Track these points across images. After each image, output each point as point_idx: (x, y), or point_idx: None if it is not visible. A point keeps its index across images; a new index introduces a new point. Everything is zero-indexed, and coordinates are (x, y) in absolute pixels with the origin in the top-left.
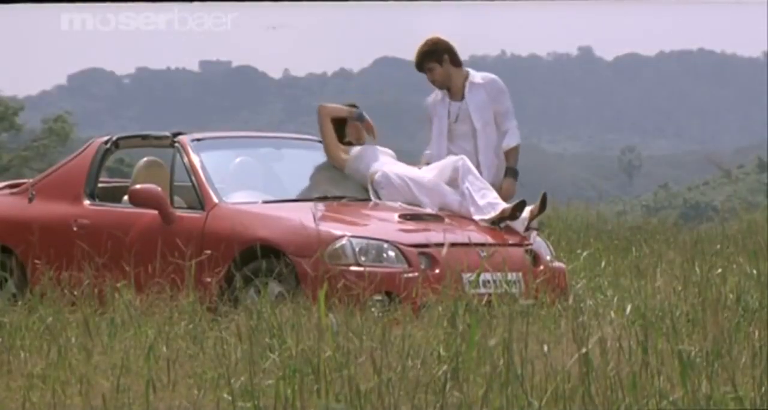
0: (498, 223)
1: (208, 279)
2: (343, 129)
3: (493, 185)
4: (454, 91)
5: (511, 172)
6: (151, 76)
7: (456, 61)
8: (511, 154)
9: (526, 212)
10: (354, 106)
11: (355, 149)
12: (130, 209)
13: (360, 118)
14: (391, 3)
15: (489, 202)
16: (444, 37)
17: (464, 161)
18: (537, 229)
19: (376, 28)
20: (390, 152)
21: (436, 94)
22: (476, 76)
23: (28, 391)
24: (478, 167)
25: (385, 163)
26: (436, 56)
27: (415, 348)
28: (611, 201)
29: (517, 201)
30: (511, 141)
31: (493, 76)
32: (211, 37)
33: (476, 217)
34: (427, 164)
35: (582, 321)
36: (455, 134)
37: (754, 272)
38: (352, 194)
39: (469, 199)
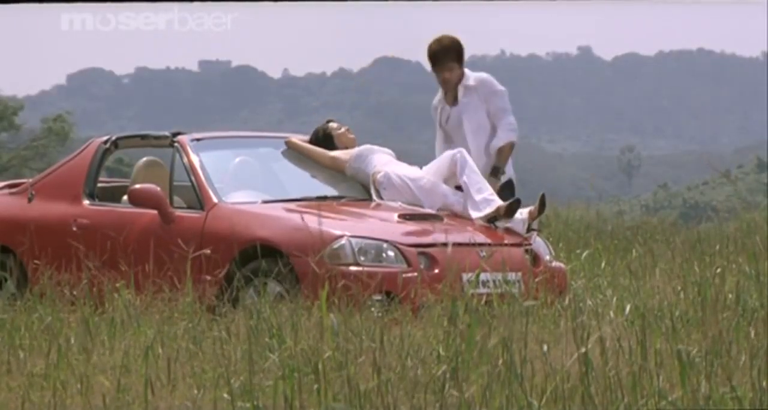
0: (493, 221)
1: (208, 278)
2: (332, 142)
3: None
4: (453, 93)
5: (494, 170)
6: (151, 76)
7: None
8: (500, 153)
9: (526, 213)
10: (330, 121)
11: (354, 149)
12: (130, 209)
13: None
14: (391, 3)
15: (485, 198)
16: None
17: (462, 153)
18: (538, 230)
19: (376, 28)
20: (389, 151)
21: (439, 96)
22: (470, 77)
23: (28, 391)
24: None
25: (386, 163)
26: (459, 56)
27: (415, 347)
28: (610, 201)
29: (511, 200)
30: (498, 141)
31: (485, 76)
32: (210, 37)
33: (472, 213)
34: None
35: (581, 321)
36: (452, 136)
37: (753, 272)
38: (352, 194)
39: (466, 193)
